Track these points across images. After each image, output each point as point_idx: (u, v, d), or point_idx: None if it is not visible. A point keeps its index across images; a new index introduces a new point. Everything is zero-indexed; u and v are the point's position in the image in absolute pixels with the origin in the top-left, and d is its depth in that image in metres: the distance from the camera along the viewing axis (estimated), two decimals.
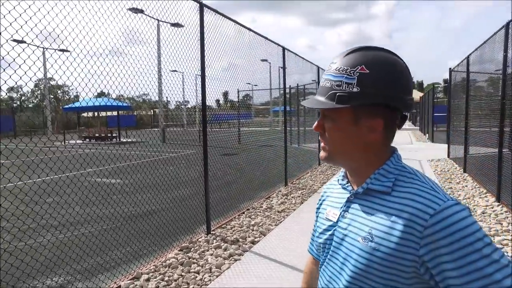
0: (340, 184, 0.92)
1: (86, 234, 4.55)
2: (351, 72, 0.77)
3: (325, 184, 1.02)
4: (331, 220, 0.89)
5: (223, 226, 4.68)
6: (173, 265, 3.51)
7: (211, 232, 4.40)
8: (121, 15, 3.21)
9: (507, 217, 4.66)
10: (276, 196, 6.28)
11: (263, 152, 7.83)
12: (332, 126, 0.83)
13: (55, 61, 2.88)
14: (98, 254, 3.83)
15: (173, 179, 4.45)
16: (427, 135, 17.85)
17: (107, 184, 7.13)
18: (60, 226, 4.80)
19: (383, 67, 0.78)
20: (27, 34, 2.51)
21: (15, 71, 2.62)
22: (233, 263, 3.58)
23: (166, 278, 3.27)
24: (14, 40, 2.78)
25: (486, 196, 5.76)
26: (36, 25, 2.54)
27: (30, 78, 2.84)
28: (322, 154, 0.87)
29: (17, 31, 2.46)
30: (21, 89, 49.23)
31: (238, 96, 10.16)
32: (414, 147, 13.56)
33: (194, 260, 3.64)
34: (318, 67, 9.60)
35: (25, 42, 2.75)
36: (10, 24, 2.40)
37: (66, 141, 20.20)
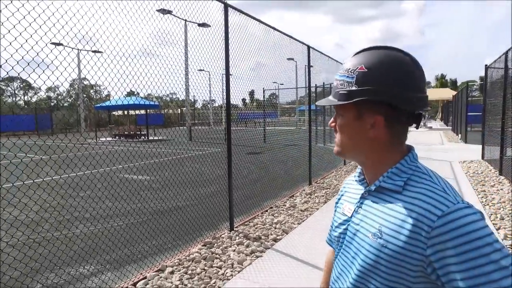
0: (356, 180, 0.95)
1: (115, 227, 4.75)
2: (352, 71, 0.83)
3: (345, 179, 1.07)
4: (346, 215, 0.93)
5: (246, 223, 4.74)
6: (196, 259, 3.60)
7: (234, 228, 4.47)
8: (149, 15, 3.31)
9: None
10: (299, 195, 6.27)
11: (288, 151, 7.84)
12: (340, 122, 0.89)
13: (87, 62, 3.04)
14: (126, 246, 4.00)
15: (199, 177, 4.57)
16: (459, 135, 17.13)
17: (136, 180, 7.41)
18: (92, 218, 5.06)
19: (382, 65, 0.81)
20: (63, 37, 2.67)
21: (52, 72, 2.77)
22: (254, 260, 3.63)
23: (190, 272, 3.37)
24: (53, 43, 2.93)
25: None
26: (71, 29, 2.69)
27: (66, 79, 3.00)
28: (335, 148, 0.93)
29: (55, 35, 2.62)
30: (58, 89, 51.76)
31: (264, 95, 10.20)
32: (445, 148, 13.07)
33: (217, 255, 3.72)
34: None
35: (62, 45, 2.91)
36: (50, 29, 2.55)
37: (97, 139, 21.06)
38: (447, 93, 33.67)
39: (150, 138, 22.19)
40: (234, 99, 4.77)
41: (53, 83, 3.03)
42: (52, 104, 52.25)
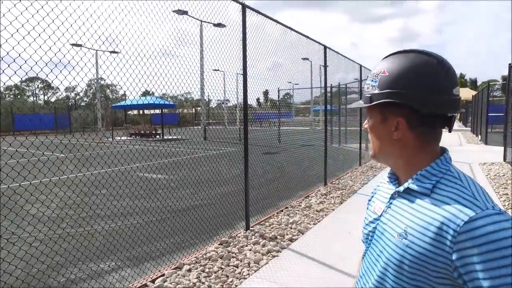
0: (387, 181, 0.97)
1: (135, 224, 4.85)
2: (376, 76, 0.88)
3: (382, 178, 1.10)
4: (376, 213, 0.95)
5: (261, 223, 4.76)
6: (213, 258, 3.65)
7: (250, 228, 4.50)
8: (165, 15, 3.34)
9: None
10: (315, 195, 6.26)
11: (303, 151, 7.82)
12: (369, 124, 0.93)
13: (103, 62, 3.06)
14: (144, 243, 4.08)
15: (215, 176, 4.61)
16: (479, 136, 16.70)
17: (154, 179, 7.53)
18: (113, 215, 5.18)
19: (402, 69, 0.83)
20: (80, 38, 2.70)
21: (69, 72, 2.79)
22: (271, 259, 3.65)
23: (207, 270, 3.41)
24: (72, 44, 2.99)
25: None
26: (88, 29, 2.72)
27: (82, 79, 3.02)
28: (371, 151, 0.96)
29: (72, 36, 2.65)
30: (75, 89, 53.01)
31: (279, 95, 10.19)
32: (464, 149, 12.78)
33: (233, 254, 3.75)
34: (361, 66, 9.37)
35: (81, 45, 2.98)
36: (67, 29, 2.59)
37: (114, 138, 21.45)
38: (466, 93, 32.82)
39: (165, 137, 22.48)
40: (249, 99, 4.79)
41: (69, 83, 3.09)
42: (70, 103, 53.53)
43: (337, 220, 4.97)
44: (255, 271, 3.40)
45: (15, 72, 2.35)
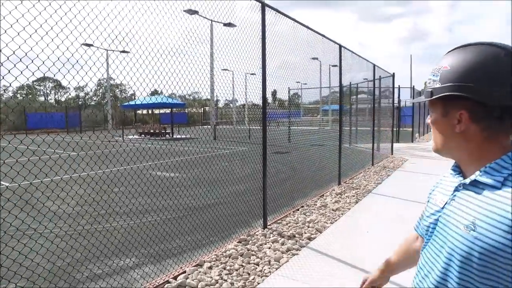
0: (451, 173, 0.97)
1: (152, 222, 4.89)
2: (438, 70, 0.89)
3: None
4: (438, 206, 0.95)
5: (278, 221, 4.77)
6: (233, 256, 3.66)
7: (268, 226, 4.50)
8: (175, 14, 3.28)
9: None
10: (329, 194, 6.24)
11: (314, 151, 7.80)
12: (432, 119, 0.94)
13: (113, 61, 3.00)
14: (163, 241, 4.11)
15: (228, 175, 4.63)
16: None
17: (167, 177, 7.57)
18: (130, 213, 5.22)
19: (465, 62, 0.84)
20: (88, 36, 2.65)
21: (77, 71, 2.74)
22: (291, 257, 3.65)
23: (228, 267, 3.43)
24: (84, 44, 2.96)
25: None
26: (97, 28, 2.68)
27: (91, 78, 2.97)
28: (432, 145, 0.97)
29: (80, 34, 2.60)
30: (84, 88, 53.55)
31: (289, 95, 10.17)
32: None
33: (253, 252, 3.76)
34: (374, 65, 9.32)
35: (92, 45, 2.97)
36: (75, 27, 2.54)
37: (124, 136, 21.63)
38: None
39: (175, 136, 22.60)
40: (256, 99, 4.77)
41: (78, 82, 3.01)
42: (80, 103, 54.12)
43: (354, 219, 4.95)
44: (276, 269, 3.41)
45: (22, 71, 2.32)
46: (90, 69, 2.85)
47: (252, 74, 4.51)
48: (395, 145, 13.38)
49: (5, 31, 2.13)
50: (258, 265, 3.50)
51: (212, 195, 5.60)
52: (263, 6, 4.10)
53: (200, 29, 3.76)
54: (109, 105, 35.07)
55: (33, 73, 2.47)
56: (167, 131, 23.46)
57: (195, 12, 3.91)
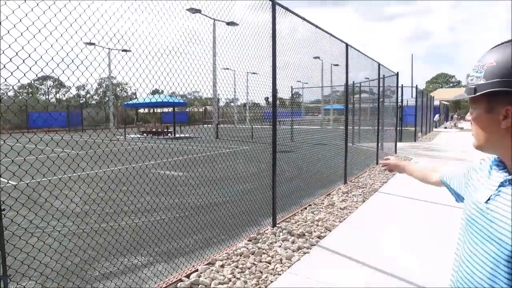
0: (494, 168, 0.96)
1: (159, 220, 4.88)
2: (481, 67, 0.88)
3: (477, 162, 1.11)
4: (479, 198, 0.93)
5: (287, 220, 4.77)
6: (245, 254, 3.66)
7: (277, 225, 4.50)
8: (175, 13, 3.22)
9: None
10: (336, 193, 6.24)
11: (318, 150, 7.79)
12: (474, 115, 0.94)
13: (114, 56, 2.97)
14: (173, 239, 4.10)
15: (233, 174, 4.61)
16: None
17: (172, 176, 7.57)
18: (136, 211, 5.22)
19: (510, 57, 0.83)
20: (90, 34, 2.60)
21: (77, 67, 2.69)
22: (302, 256, 3.65)
23: (240, 266, 3.42)
24: (86, 43, 2.92)
25: None
26: (101, 26, 2.64)
27: (90, 74, 2.86)
28: (473, 142, 0.96)
29: (84, 32, 2.56)
30: (85, 87, 53.56)
31: (292, 94, 10.16)
32: None
33: (264, 251, 3.76)
34: (379, 64, 9.30)
35: (94, 44, 2.94)
36: (81, 26, 2.49)
37: (126, 135, 21.63)
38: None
39: (177, 135, 22.59)
40: (257, 99, 4.75)
41: (78, 78, 2.91)
42: (80, 101, 54.11)
43: (363, 218, 4.95)
44: (288, 267, 3.40)
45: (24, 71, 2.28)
46: (90, 64, 2.80)
47: (253, 73, 4.46)
48: (399, 144, 13.37)
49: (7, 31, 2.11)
50: (270, 263, 3.50)
51: (218, 194, 5.59)
52: (274, 4, 4.09)
53: (208, 28, 3.73)
54: (110, 104, 35.05)
55: (36, 74, 2.45)
56: (169, 130, 23.45)
57: (198, 11, 3.88)
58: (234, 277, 3.22)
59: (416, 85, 18.65)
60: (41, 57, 2.31)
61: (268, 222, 4.58)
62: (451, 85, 77.79)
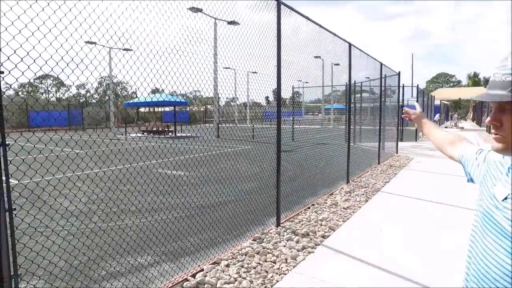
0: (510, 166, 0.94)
1: (164, 220, 4.90)
2: None
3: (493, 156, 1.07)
4: (498, 195, 0.93)
5: (291, 219, 4.78)
6: (250, 254, 3.67)
7: (281, 224, 4.52)
8: (175, 10, 3.17)
9: None
10: (339, 193, 6.25)
11: (319, 150, 7.81)
12: (507, 116, 0.87)
13: (115, 54, 2.97)
14: (178, 238, 4.12)
15: (235, 173, 4.62)
16: None
17: (174, 175, 7.59)
18: (141, 210, 5.23)
19: None
20: (93, 33, 2.60)
21: (76, 65, 2.69)
22: (307, 255, 3.66)
23: (245, 265, 3.44)
24: (87, 42, 2.92)
25: None
26: (102, 24, 2.62)
27: (91, 73, 2.88)
28: (497, 145, 0.92)
29: (84, 30, 2.55)
30: (85, 86, 53.47)
31: (293, 94, 10.16)
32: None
33: (269, 250, 3.78)
34: (382, 64, 9.31)
35: (94, 43, 2.94)
36: (80, 24, 2.48)
37: (127, 135, 21.62)
38: (481, 92, 32.34)
39: (178, 134, 22.58)
40: (257, 98, 4.74)
41: (78, 77, 2.87)
42: (81, 100, 54.08)
43: (366, 217, 4.96)
44: (294, 266, 3.42)
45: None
46: (90, 62, 2.78)
47: (253, 72, 4.46)
48: (400, 144, 13.37)
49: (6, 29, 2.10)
50: (275, 263, 3.51)
51: (221, 193, 5.60)
52: (279, 4, 4.10)
53: (210, 27, 3.70)
54: (111, 103, 35.02)
55: (35, 73, 2.45)
56: (170, 129, 23.44)
57: (199, 10, 3.87)
58: (240, 276, 3.23)
59: (417, 85, 18.66)
60: (40, 55, 2.30)
61: (272, 221, 4.59)
62: (451, 84, 77.79)
